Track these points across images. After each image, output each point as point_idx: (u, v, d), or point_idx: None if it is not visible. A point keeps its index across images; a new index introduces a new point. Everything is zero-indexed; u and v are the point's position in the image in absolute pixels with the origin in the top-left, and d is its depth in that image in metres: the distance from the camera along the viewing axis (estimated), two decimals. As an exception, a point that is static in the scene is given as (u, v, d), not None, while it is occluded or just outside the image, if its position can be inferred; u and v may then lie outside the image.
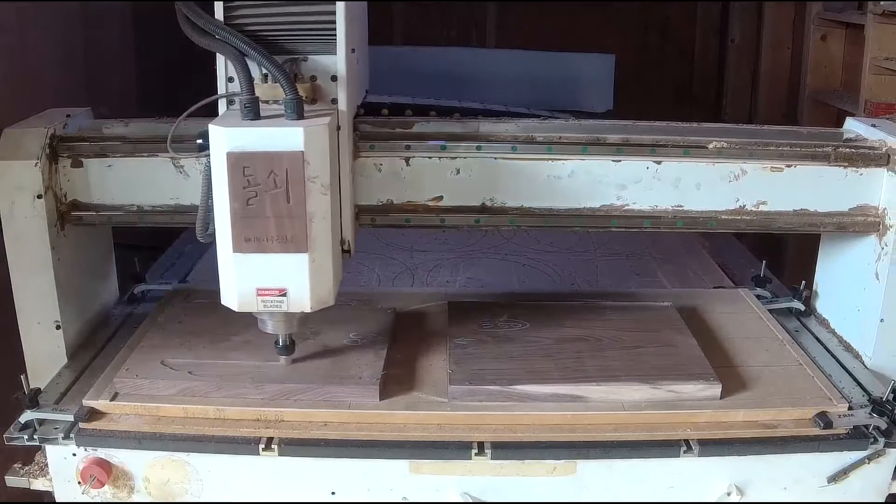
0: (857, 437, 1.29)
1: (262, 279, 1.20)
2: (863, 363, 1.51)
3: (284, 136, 1.14)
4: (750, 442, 1.27)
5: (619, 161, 1.43)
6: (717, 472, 1.29)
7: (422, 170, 1.43)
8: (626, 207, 1.46)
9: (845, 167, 1.45)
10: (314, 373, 1.35)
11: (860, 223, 1.48)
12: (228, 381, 1.32)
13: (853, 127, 1.55)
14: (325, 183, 1.18)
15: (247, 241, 1.17)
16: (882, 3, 2.49)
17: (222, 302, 1.24)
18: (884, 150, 1.45)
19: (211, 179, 1.18)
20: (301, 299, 1.21)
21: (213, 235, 1.22)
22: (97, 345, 1.52)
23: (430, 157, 1.43)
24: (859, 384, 1.42)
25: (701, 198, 1.46)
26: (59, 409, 1.30)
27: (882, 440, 1.28)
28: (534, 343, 1.46)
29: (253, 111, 1.17)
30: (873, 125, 1.51)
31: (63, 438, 1.26)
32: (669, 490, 1.30)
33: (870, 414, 1.31)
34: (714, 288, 1.85)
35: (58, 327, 1.45)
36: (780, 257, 2.83)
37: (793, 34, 3.22)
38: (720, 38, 3.42)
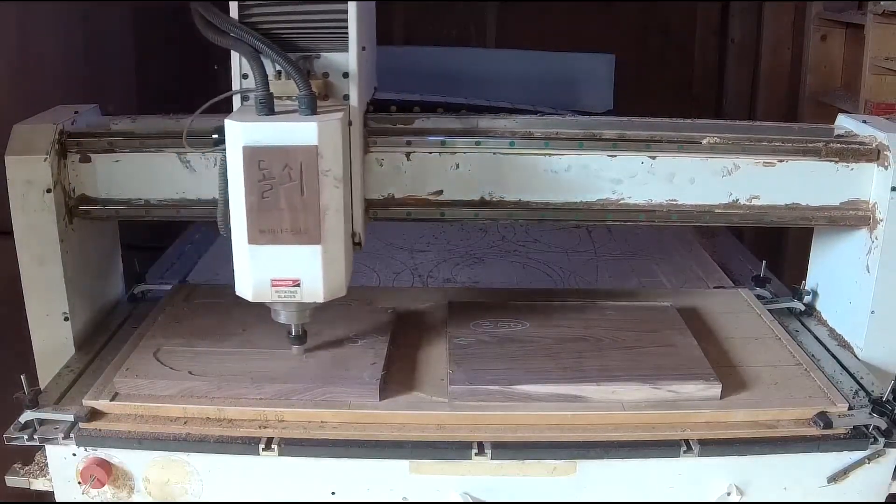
0: (857, 437, 1.28)
1: (277, 270, 1.22)
2: (855, 355, 1.52)
3: (299, 131, 1.17)
4: (750, 442, 1.27)
5: (615, 156, 1.45)
6: (717, 472, 1.29)
7: (422, 164, 1.45)
8: (622, 201, 1.48)
9: (836, 162, 1.46)
10: (314, 373, 1.36)
11: (851, 217, 1.49)
12: (228, 381, 1.32)
13: (844, 123, 1.57)
14: (338, 176, 1.20)
15: (261, 233, 1.19)
16: (882, 3, 2.49)
17: (237, 293, 1.25)
18: (874, 145, 1.46)
19: (227, 174, 1.20)
20: (314, 290, 1.24)
21: None
22: (98, 344, 1.52)
23: (430, 152, 1.44)
24: (859, 384, 1.42)
25: (695, 192, 1.47)
26: (59, 409, 1.30)
27: (882, 440, 1.28)
28: (534, 343, 1.46)
29: (268, 106, 1.20)
30: (864, 121, 1.53)
31: (63, 438, 1.26)
32: (669, 490, 1.30)
33: (870, 414, 1.31)
34: (714, 288, 1.85)
35: (66, 319, 1.47)
36: (779, 257, 2.83)
37: (793, 34, 3.21)
38: (720, 38, 3.41)
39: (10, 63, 2.61)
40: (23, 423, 1.28)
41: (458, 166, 1.45)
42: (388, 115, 1.46)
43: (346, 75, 1.29)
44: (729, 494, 1.29)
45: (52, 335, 1.48)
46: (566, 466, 1.28)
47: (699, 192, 1.48)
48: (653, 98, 3.29)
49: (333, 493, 1.29)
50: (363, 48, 1.31)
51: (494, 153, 1.45)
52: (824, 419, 1.29)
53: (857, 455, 1.29)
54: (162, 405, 1.30)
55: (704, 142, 1.45)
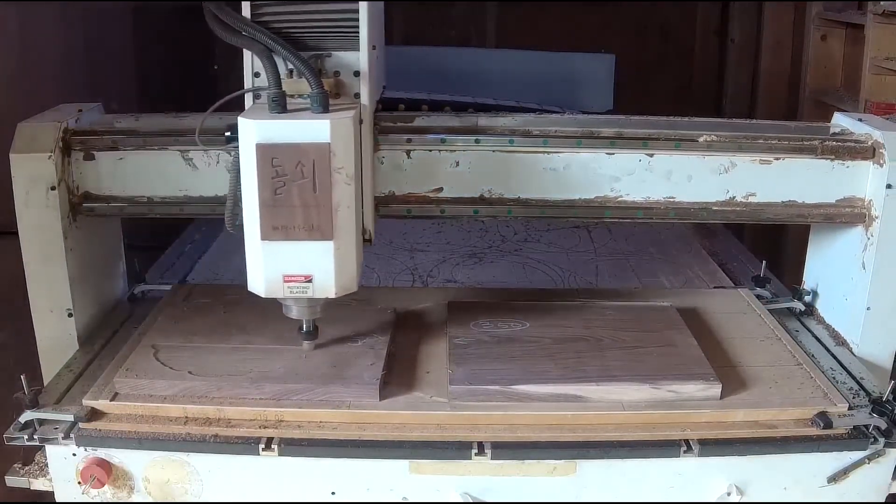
0: (857, 437, 1.29)
1: (289, 266, 1.24)
2: (851, 351, 1.53)
3: (311, 129, 1.18)
4: (750, 442, 1.27)
5: (613, 154, 1.46)
6: (717, 472, 1.29)
7: (422, 162, 1.46)
8: (620, 199, 1.49)
9: (832, 160, 1.48)
10: (314, 373, 1.35)
11: (847, 214, 1.51)
12: (228, 381, 1.32)
13: (840, 121, 1.58)
14: (350, 174, 1.22)
15: (274, 230, 1.21)
16: (882, 3, 2.49)
17: (249, 288, 1.27)
18: (869, 143, 1.47)
19: (239, 171, 1.21)
20: (326, 285, 1.25)
21: (241, 227, 1.25)
22: (99, 343, 1.52)
23: (430, 150, 1.45)
24: (859, 384, 1.42)
25: (692, 189, 1.49)
26: (59, 409, 1.30)
27: (882, 440, 1.28)
28: (534, 343, 1.46)
29: (280, 104, 1.21)
30: (860, 119, 1.54)
31: (63, 438, 1.26)
32: (669, 490, 1.30)
33: (870, 414, 1.31)
34: (714, 288, 1.85)
35: (70, 315, 1.48)
36: (779, 257, 2.83)
37: (793, 34, 3.22)
38: (720, 38, 3.41)
39: (11, 63, 2.61)
40: (23, 423, 1.28)
41: (457, 164, 1.46)
42: (388, 113, 1.47)
43: (357, 74, 1.30)
44: (729, 494, 1.29)
45: (55, 331, 1.49)
46: (566, 466, 1.28)
47: (696, 189, 1.49)
48: (653, 98, 3.29)
49: (333, 493, 1.29)
50: (373, 47, 1.32)
51: (494, 151, 1.46)
52: (824, 419, 1.29)
53: (857, 455, 1.29)
54: (162, 405, 1.30)
55: (701, 140, 1.46)
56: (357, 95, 1.31)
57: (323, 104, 1.21)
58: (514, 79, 3.06)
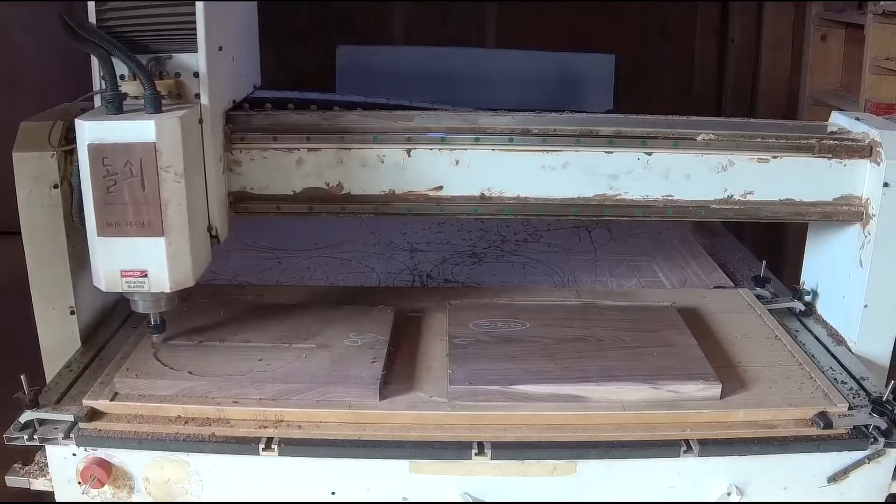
0: (857, 437, 1.29)
1: (125, 261, 1.28)
2: (849, 349, 1.54)
3: (138, 129, 1.22)
4: (750, 442, 1.27)
5: (612, 153, 1.47)
6: (717, 472, 1.29)
7: (422, 161, 1.46)
8: (619, 197, 1.49)
9: (829, 158, 1.48)
10: (314, 373, 1.36)
11: (844, 212, 1.51)
12: (228, 381, 1.33)
13: (838, 120, 1.59)
14: (179, 172, 1.25)
15: (108, 226, 1.25)
16: (882, 3, 2.49)
17: (93, 283, 1.30)
18: (867, 142, 1.48)
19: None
20: (160, 280, 1.29)
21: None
22: (99, 343, 1.52)
23: (430, 149, 1.45)
24: (859, 384, 1.42)
25: (690, 188, 1.49)
26: (59, 409, 1.30)
27: (882, 440, 1.28)
28: (534, 343, 1.46)
29: (115, 106, 1.25)
30: (857, 118, 1.55)
31: (63, 438, 1.26)
32: (669, 490, 1.30)
33: (870, 414, 1.31)
34: (714, 288, 1.85)
35: (72, 313, 1.49)
36: (779, 257, 2.83)
37: (793, 34, 3.22)
38: (720, 38, 3.42)
39: (11, 63, 2.61)
40: (23, 423, 1.28)
41: (457, 163, 1.46)
42: (388, 112, 1.47)
43: (197, 75, 1.32)
44: (729, 494, 1.29)
45: (58, 330, 1.49)
46: (566, 466, 1.28)
47: (695, 187, 1.49)
48: (653, 98, 3.30)
49: (333, 493, 1.29)
50: (220, 48, 1.34)
51: (493, 149, 1.46)
52: (824, 419, 1.29)
53: (857, 455, 1.29)
54: (162, 405, 1.30)
55: (699, 138, 1.46)
56: (198, 96, 1.32)
57: (154, 105, 1.24)
58: (514, 79, 3.07)
